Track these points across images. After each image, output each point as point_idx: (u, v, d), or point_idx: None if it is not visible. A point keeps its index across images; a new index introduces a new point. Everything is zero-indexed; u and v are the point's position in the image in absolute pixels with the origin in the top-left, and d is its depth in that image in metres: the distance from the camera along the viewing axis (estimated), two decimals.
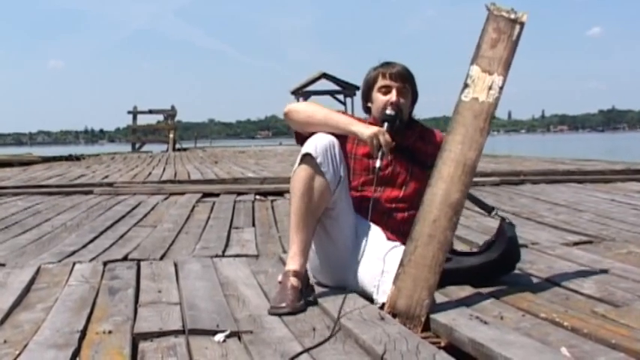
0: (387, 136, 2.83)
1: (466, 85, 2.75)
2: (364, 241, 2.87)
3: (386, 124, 2.91)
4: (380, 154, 2.81)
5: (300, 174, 2.75)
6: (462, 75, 2.78)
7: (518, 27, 2.78)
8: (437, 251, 2.56)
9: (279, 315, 2.54)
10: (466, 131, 2.69)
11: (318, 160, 2.73)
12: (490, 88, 2.72)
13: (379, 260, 2.75)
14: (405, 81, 3.01)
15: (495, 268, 2.97)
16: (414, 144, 3.06)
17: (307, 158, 2.74)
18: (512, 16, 2.78)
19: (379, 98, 3.01)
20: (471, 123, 2.70)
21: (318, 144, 2.76)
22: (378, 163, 2.83)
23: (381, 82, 3.01)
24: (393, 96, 2.98)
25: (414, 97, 3.07)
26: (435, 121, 71.44)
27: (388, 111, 2.95)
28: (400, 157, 2.99)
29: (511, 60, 2.76)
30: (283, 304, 2.59)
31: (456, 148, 2.68)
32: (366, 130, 2.82)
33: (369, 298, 2.69)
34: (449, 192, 2.63)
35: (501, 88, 2.73)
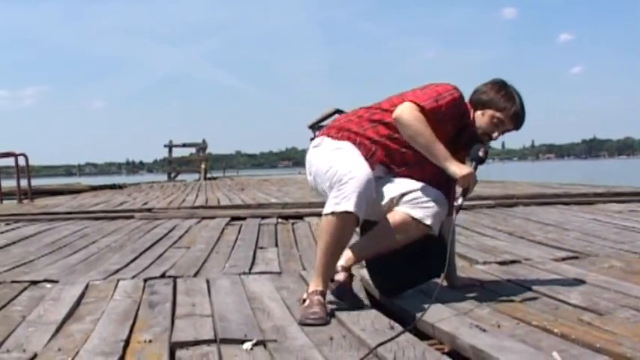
0: (476, 178, 2.81)
1: None
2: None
3: (474, 163, 2.85)
4: (463, 192, 2.80)
5: (338, 224, 2.67)
6: None
7: None
8: None
9: (312, 325, 2.52)
10: None
11: (360, 217, 2.69)
12: None
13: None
14: (512, 131, 2.98)
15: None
16: None
17: (349, 215, 2.66)
18: None
19: (488, 123, 2.93)
20: None
21: (362, 197, 2.65)
22: (460, 201, 2.80)
23: (504, 118, 2.92)
24: (496, 134, 2.94)
25: None
26: None
27: (481, 153, 2.85)
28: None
29: None
30: (316, 316, 2.57)
31: None
32: (459, 172, 2.76)
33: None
34: None
35: None
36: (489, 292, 3.04)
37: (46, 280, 3.68)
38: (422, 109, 2.79)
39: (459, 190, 2.84)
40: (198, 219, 7.33)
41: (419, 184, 2.84)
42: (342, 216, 2.66)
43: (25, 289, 3.48)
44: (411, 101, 2.82)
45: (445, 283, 2.98)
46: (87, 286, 3.49)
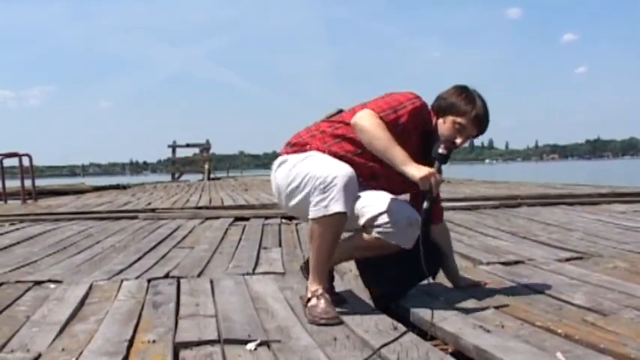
0: (438, 176, 2.64)
1: None
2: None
3: (437, 163, 2.73)
4: (429, 195, 2.66)
5: (334, 226, 2.63)
6: None
7: None
8: None
9: (326, 325, 2.52)
10: None
11: (348, 214, 2.64)
12: None
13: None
14: (477, 136, 2.94)
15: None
16: None
17: (341, 215, 2.62)
18: None
19: (449, 129, 2.83)
20: None
21: (349, 195, 2.61)
22: (426, 204, 2.67)
23: (465, 122, 2.83)
24: (460, 140, 2.85)
25: None
26: None
27: (440, 150, 2.75)
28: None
29: None
30: (329, 315, 2.57)
31: None
32: (417, 173, 2.59)
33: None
34: None
35: None
36: (493, 292, 3.04)
37: (50, 281, 3.68)
38: (380, 119, 2.73)
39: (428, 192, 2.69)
40: (201, 219, 7.34)
41: (386, 204, 2.74)
42: (335, 218, 2.62)
43: (29, 289, 3.49)
44: (370, 109, 2.77)
45: (450, 285, 2.97)
46: (91, 287, 3.49)
